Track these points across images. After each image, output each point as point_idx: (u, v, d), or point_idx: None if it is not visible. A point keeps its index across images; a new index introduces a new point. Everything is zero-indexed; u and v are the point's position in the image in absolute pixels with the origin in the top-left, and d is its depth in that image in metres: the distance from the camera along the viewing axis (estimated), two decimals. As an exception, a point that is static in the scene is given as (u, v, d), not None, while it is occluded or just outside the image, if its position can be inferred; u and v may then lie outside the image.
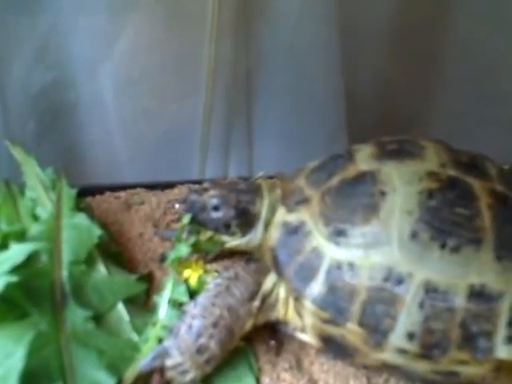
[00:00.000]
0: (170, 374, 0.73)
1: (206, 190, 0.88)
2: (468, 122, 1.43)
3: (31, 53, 1.12)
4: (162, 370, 0.73)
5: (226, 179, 1.19)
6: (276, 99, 1.31)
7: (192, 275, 0.87)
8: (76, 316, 0.76)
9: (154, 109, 1.24)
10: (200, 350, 0.72)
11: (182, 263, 0.87)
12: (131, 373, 0.73)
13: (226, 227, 0.86)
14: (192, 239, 0.87)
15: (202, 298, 0.76)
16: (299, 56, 1.27)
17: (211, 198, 0.86)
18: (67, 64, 1.16)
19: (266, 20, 1.22)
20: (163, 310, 0.81)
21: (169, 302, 0.82)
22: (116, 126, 1.24)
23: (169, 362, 0.72)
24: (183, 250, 0.85)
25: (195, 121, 1.27)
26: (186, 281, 0.86)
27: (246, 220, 0.85)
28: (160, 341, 0.76)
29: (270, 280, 0.80)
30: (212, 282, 0.79)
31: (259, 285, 0.79)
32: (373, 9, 1.29)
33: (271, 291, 0.80)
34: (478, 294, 0.68)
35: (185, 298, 0.82)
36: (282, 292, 0.80)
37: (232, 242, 0.88)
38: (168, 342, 0.73)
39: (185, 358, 0.72)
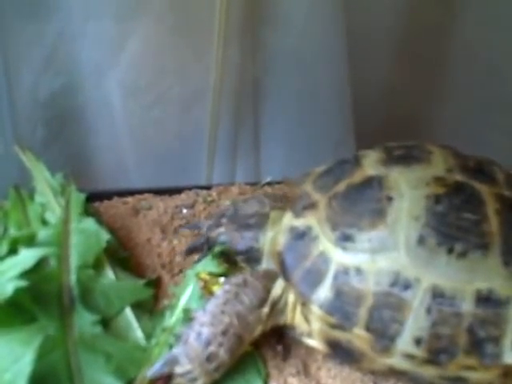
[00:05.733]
0: (178, 381, 0.73)
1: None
2: (475, 127, 1.42)
3: (40, 59, 1.13)
4: (168, 377, 0.73)
5: (233, 185, 1.20)
6: (283, 105, 1.31)
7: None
8: (84, 320, 0.77)
9: (162, 114, 1.25)
10: (209, 358, 0.72)
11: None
12: (141, 379, 0.73)
13: (233, 263, 0.88)
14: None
15: (210, 305, 0.76)
16: (306, 62, 1.27)
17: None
18: (75, 70, 1.16)
19: (273, 26, 1.22)
20: (176, 317, 0.81)
21: (183, 309, 0.82)
22: (124, 131, 1.24)
23: (178, 370, 0.72)
24: (211, 265, 0.85)
25: (203, 126, 1.27)
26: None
27: (250, 256, 0.86)
28: (170, 347, 0.76)
29: (278, 285, 0.80)
30: (220, 288, 0.79)
31: (268, 291, 0.79)
32: (380, 14, 1.29)
33: (280, 297, 0.80)
34: (485, 299, 0.68)
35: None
36: (290, 297, 0.80)
37: None
38: (177, 350, 0.73)
39: (194, 365, 0.72)
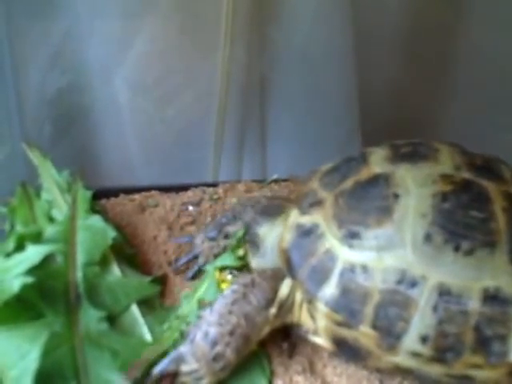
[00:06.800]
0: (184, 380, 0.73)
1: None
2: (481, 126, 1.42)
3: (47, 58, 1.13)
4: (174, 374, 0.73)
5: (239, 182, 1.20)
6: (289, 103, 1.31)
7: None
8: (90, 317, 0.77)
9: (169, 112, 1.25)
10: (216, 358, 0.72)
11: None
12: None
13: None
14: (240, 251, 0.88)
15: (218, 305, 0.75)
16: (313, 60, 1.27)
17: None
18: (82, 68, 1.17)
19: (280, 25, 1.23)
20: (190, 306, 0.82)
21: (198, 300, 0.83)
22: (131, 129, 1.25)
23: (184, 368, 0.72)
24: (230, 259, 0.86)
25: (209, 124, 1.28)
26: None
27: (250, 238, 0.86)
28: (181, 333, 0.77)
29: (285, 285, 0.80)
30: (228, 288, 0.79)
31: (275, 291, 0.79)
32: (386, 14, 1.29)
33: (288, 296, 0.79)
34: (492, 298, 0.68)
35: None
36: (297, 295, 0.80)
37: (252, 261, 0.88)
38: (184, 348, 0.73)
39: (200, 364, 0.72)
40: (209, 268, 0.87)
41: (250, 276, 0.80)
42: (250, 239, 0.87)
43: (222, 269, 0.87)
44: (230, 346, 0.73)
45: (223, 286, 0.84)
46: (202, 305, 0.81)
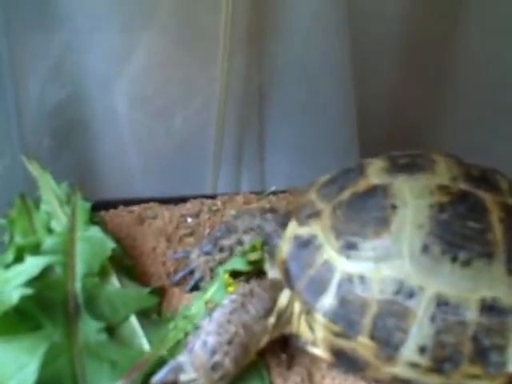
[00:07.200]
0: None
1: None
2: (480, 136, 1.43)
3: (46, 70, 1.14)
4: None
5: (238, 194, 1.20)
6: (288, 114, 1.32)
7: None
8: (89, 328, 0.77)
9: (167, 124, 1.26)
10: (214, 367, 0.72)
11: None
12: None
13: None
14: (252, 256, 0.88)
15: (217, 314, 0.76)
16: (311, 71, 1.28)
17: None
18: (82, 81, 1.17)
19: (278, 36, 1.23)
20: (198, 307, 0.83)
21: (206, 301, 0.83)
22: (130, 141, 1.25)
23: (183, 378, 0.72)
24: (240, 263, 0.86)
25: (208, 136, 1.28)
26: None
27: (269, 249, 0.87)
28: (185, 334, 0.78)
29: (284, 296, 0.80)
30: (227, 297, 0.79)
31: (274, 301, 0.79)
32: (384, 23, 1.30)
33: (286, 307, 0.79)
34: (489, 308, 0.68)
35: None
36: (295, 306, 0.80)
37: (269, 272, 0.88)
38: (182, 358, 0.73)
39: (199, 374, 0.72)
40: (220, 270, 0.87)
41: (248, 286, 0.80)
42: (269, 250, 0.87)
43: (235, 275, 0.87)
44: (229, 356, 0.73)
45: (230, 289, 0.84)
46: (208, 307, 0.81)
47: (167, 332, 0.80)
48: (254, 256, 0.87)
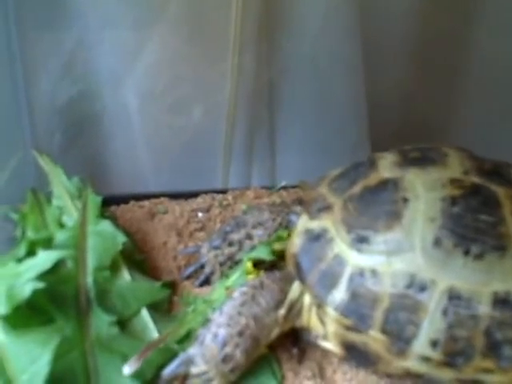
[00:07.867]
0: (193, 382, 0.73)
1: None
2: (490, 134, 1.41)
3: (58, 67, 1.14)
4: (183, 377, 0.73)
5: (249, 189, 1.20)
6: (298, 110, 1.32)
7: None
8: (101, 321, 0.77)
9: (178, 120, 1.26)
10: (225, 359, 0.72)
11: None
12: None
13: None
14: (277, 245, 0.88)
15: (227, 307, 0.76)
16: (321, 67, 1.27)
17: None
18: (93, 77, 1.17)
19: (289, 32, 1.23)
20: (218, 292, 0.84)
21: (226, 287, 0.84)
22: (140, 136, 1.25)
23: (194, 370, 0.73)
24: (264, 252, 0.86)
25: (219, 131, 1.28)
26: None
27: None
28: (205, 318, 0.79)
29: (295, 288, 0.80)
30: (237, 290, 0.79)
31: (285, 293, 0.79)
32: (395, 20, 1.29)
33: (297, 299, 0.80)
34: (502, 302, 0.67)
35: None
36: (306, 299, 0.80)
37: None
38: (193, 350, 0.73)
39: (210, 366, 0.72)
40: (244, 258, 0.88)
41: (259, 278, 0.80)
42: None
43: (259, 264, 0.87)
44: (240, 348, 0.73)
45: (250, 277, 0.84)
46: (228, 292, 0.81)
47: (186, 314, 0.82)
48: (279, 246, 0.87)
